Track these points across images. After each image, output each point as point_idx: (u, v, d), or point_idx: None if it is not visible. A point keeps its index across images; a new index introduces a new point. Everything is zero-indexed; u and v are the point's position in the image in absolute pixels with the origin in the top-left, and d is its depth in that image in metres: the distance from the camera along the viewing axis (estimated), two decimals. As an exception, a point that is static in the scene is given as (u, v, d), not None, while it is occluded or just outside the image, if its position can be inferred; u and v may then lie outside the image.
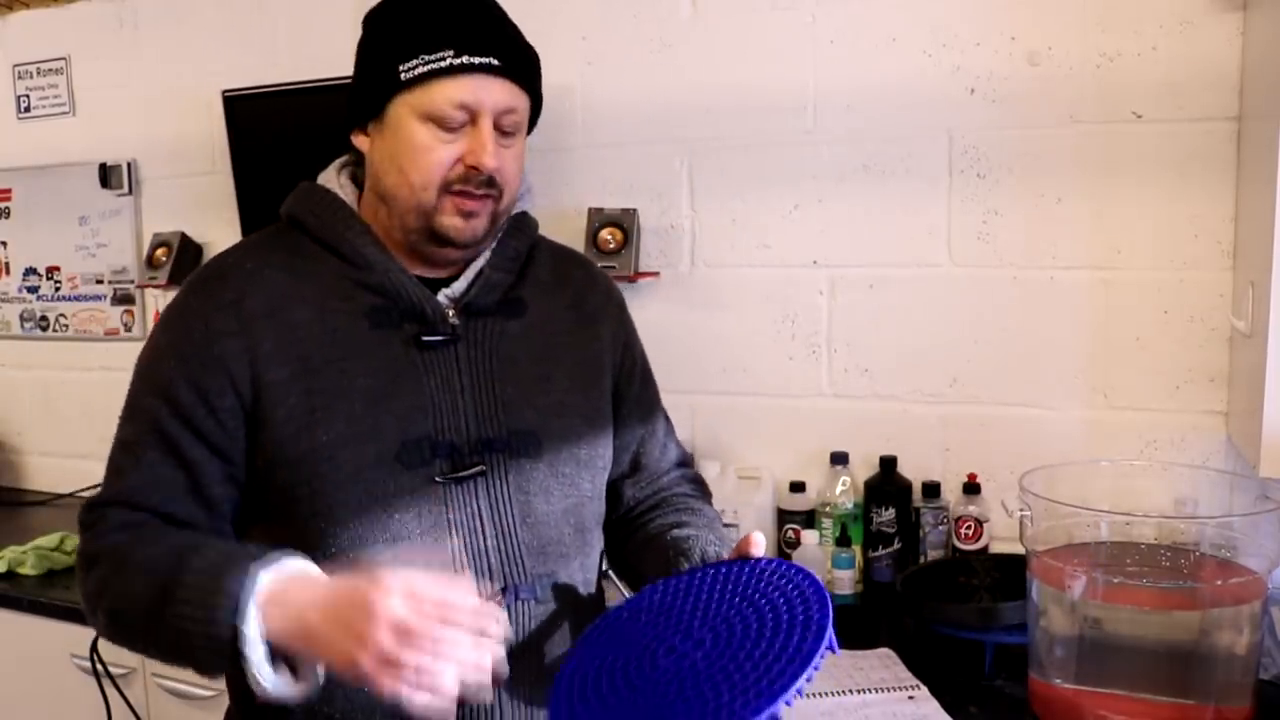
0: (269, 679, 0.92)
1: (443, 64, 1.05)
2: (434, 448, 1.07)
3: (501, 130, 1.09)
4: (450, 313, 1.12)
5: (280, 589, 0.93)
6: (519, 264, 1.19)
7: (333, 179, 1.17)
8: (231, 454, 1.06)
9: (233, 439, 1.06)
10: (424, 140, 1.07)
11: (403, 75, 1.06)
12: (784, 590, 0.97)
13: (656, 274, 2.03)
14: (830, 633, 0.90)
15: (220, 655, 0.93)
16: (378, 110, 1.09)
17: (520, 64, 1.10)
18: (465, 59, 1.06)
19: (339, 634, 0.89)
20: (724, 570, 1.03)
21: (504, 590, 1.08)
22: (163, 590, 0.96)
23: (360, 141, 1.13)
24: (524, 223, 1.21)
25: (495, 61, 1.07)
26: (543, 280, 1.22)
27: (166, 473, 1.05)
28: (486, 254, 1.17)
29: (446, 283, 1.14)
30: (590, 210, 2.01)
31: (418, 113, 1.07)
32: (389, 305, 1.09)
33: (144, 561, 1.00)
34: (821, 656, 0.88)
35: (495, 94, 1.07)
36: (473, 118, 1.07)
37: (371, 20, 1.13)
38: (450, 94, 1.06)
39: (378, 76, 1.09)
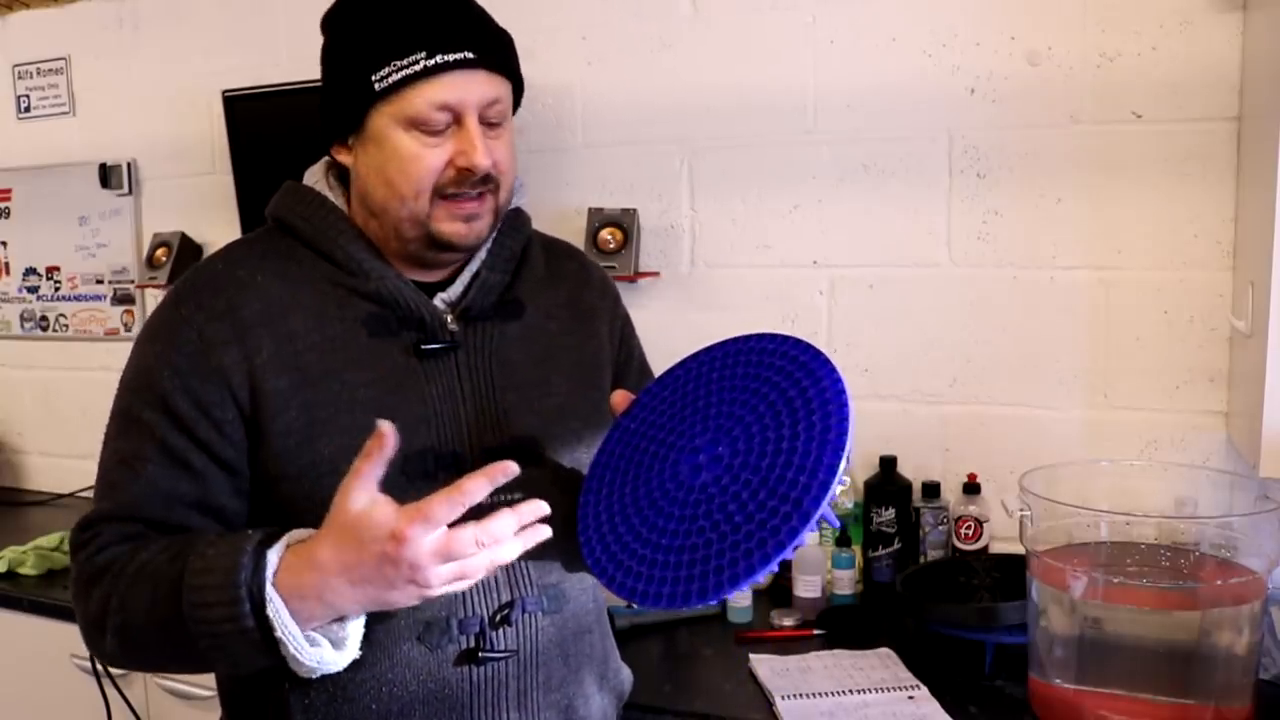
0: (311, 655, 0.91)
1: (417, 68, 1.00)
2: (438, 459, 1.04)
3: (488, 123, 1.05)
4: (448, 319, 1.10)
5: (291, 565, 0.91)
6: (515, 263, 1.16)
7: (321, 180, 1.12)
8: (238, 466, 1.02)
9: (238, 451, 1.02)
10: (410, 148, 1.02)
11: (377, 86, 1.01)
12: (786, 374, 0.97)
13: (656, 274, 2.03)
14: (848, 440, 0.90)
15: (254, 646, 0.90)
16: (356, 123, 1.05)
17: (496, 52, 1.05)
18: (440, 58, 1.00)
19: (383, 591, 0.89)
20: (720, 354, 1.04)
21: (510, 603, 1.06)
22: (173, 589, 0.92)
23: (342, 155, 1.09)
24: (519, 220, 1.18)
25: (471, 55, 1.02)
26: (538, 277, 1.19)
27: (172, 485, 1.00)
28: (482, 255, 1.13)
29: (442, 286, 1.11)
30: (590, 210, 2.01)
31: (399, 121, 1.02)
32: (386, 313, 1.06)
33: (145, 565, 0.95)
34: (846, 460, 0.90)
35: (476, 89, 1.02)
36: (457, 117, 1.02)
37: (332, 24, 1.08)
38: (430, 96, 1.01)
39: (351, 88, 1.03)
